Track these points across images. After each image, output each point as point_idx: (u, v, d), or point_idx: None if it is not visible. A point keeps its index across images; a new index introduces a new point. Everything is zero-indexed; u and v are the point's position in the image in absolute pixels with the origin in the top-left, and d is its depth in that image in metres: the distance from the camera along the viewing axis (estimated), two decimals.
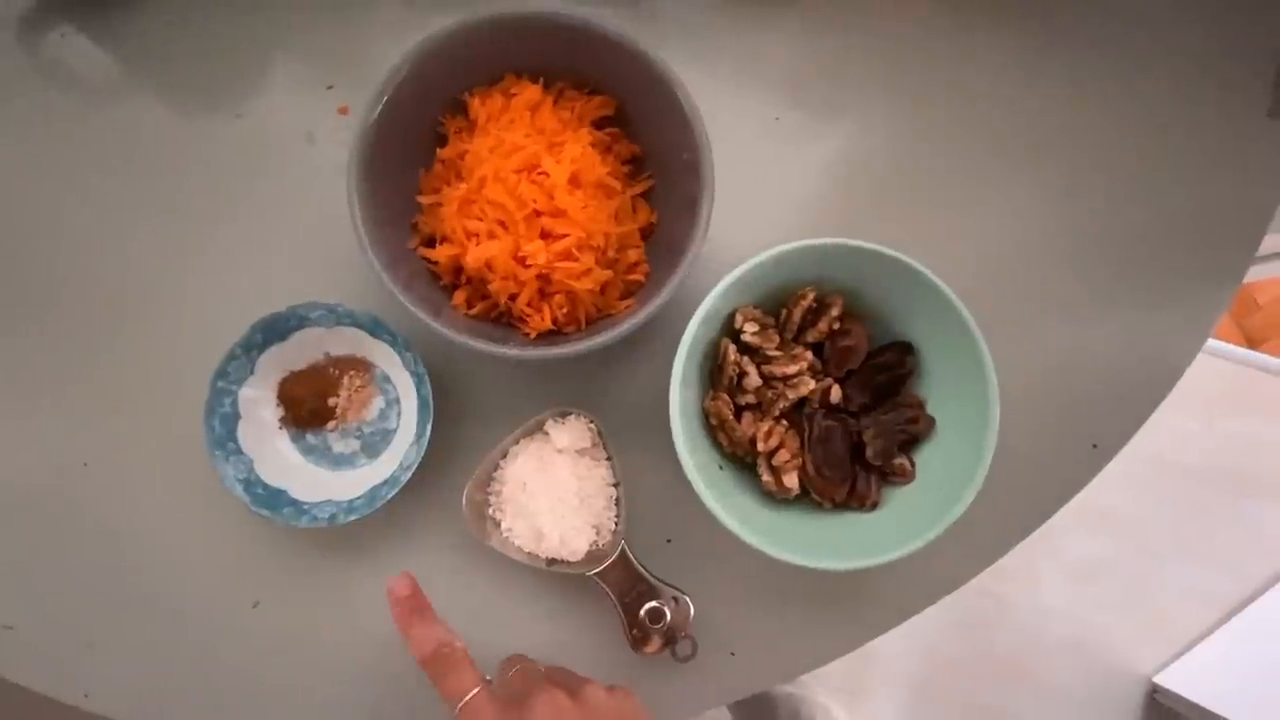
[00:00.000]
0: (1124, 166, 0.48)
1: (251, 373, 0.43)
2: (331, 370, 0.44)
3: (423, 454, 0.41)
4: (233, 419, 0.42)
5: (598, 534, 0.42)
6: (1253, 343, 1.25)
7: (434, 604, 0.43)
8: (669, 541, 0.44)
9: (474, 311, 0.42)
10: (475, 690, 0.33)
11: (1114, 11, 0.49)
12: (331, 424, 0.44)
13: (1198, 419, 1.17)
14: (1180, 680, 1.07)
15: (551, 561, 0.42)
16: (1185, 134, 0.49)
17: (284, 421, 0.44)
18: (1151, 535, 1.14)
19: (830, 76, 0.49)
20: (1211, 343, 1.19)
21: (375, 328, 0.43)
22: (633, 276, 0.42)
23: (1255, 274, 0.98)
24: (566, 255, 0.39)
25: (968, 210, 0.48)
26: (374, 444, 0.44)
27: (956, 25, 0.49)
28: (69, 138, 0.47)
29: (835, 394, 0.40)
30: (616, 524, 0.42)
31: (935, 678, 1.09)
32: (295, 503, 0.42)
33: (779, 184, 0.48)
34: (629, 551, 0.42)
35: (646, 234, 0.43)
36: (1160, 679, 1.09)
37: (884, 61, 0.49)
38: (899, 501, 0.40)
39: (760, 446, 0.39)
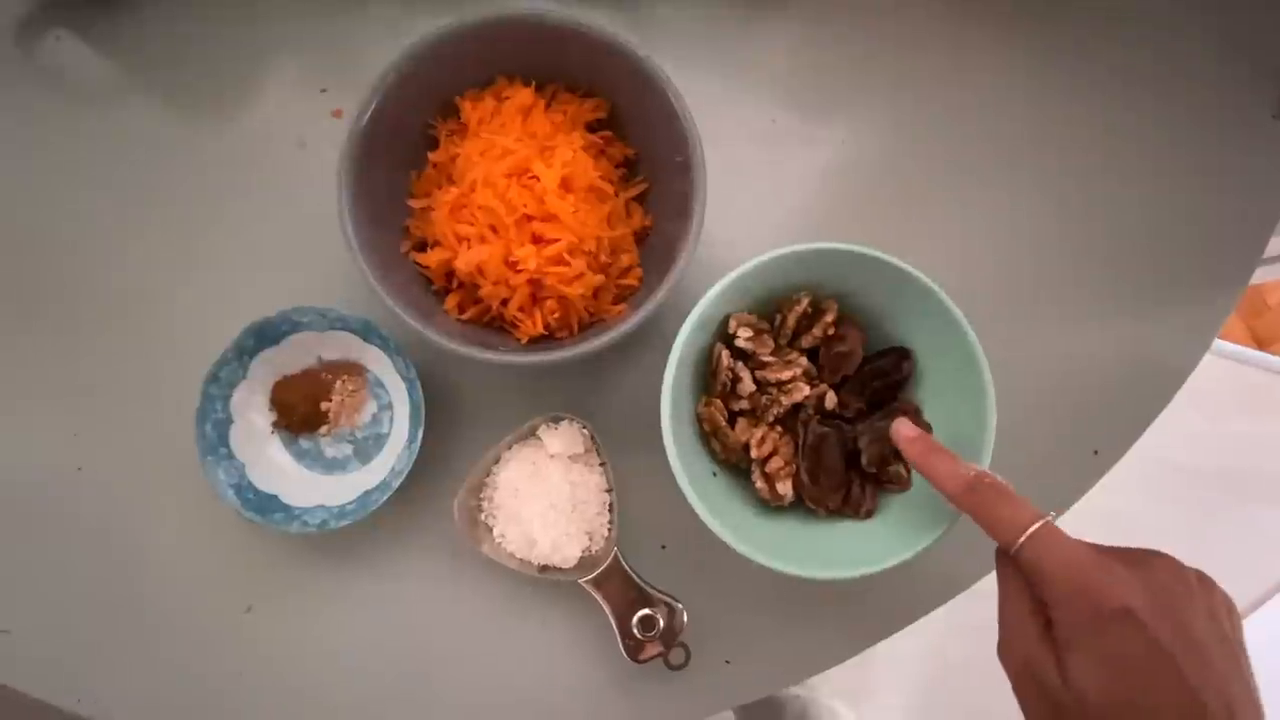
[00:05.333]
0: (1125, 171, 0.48)
1: (244, 377, 0.43)
2: (324, 375, 0.44)
3: (414, 459, 0.41)
4: (225, 424, 0.42)
5: (590, 540, 0.42)
6: (1261, 344, 1.23)
7: (425, 611, 0.44)
8: (663, 548, 0.44)
9: (466, 316, 0.41)
10: (1042, 520, 0.29)
11: (1115, 15, 0.49)
12: (324, 429, 0.44)
13: (1205, 420, 1.16)
14: None
15: (544, 568, 0.41)
16: (1188, 138, 0.48)
17: (276, 426, 0.44)
18: (1157, 537, 1.10)
19: (826, 79, 0.49)
20: (1220, 344, 1.18)
21: (367, 332, 0.42)
22: (626, 281, 0.42)
23: (1265, 275, 0.96)
24: (558, 260, 0.39)
25: (965, 214, 0.47)
26: (366, 449, 0.44)
27: (954, 28, 0.49)
28: (62, 141, 0.47)
29: (830, 400, 0.40)
30: (609, 530, 0.42)
31: (941, 680, 1.08)
32: (286, 508, 0.42)
33: (774, 187, 0.48)
34: (622, 558, 0.41)
35: (641, 238, 0.43)
36: None
37: (880, 64, 0.49)
38: (894, 509, 0.39)
39: (754, 453, 0.39)
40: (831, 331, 0.40)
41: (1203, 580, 0.29)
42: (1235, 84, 0.48)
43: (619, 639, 0.41)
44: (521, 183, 0.38)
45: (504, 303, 0.40)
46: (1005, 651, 0.30)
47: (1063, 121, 0.48)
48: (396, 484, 0.41)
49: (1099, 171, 0.48)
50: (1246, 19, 0.48)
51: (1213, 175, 0.48)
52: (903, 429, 0.36)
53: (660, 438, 0.36)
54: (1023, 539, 0.29)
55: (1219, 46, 0.48)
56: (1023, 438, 0.44)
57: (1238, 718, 0.25)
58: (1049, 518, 0.29)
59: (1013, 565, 0.30)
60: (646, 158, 0.43)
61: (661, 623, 0.41)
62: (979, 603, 0.45)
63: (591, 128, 0.42)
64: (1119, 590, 0.26)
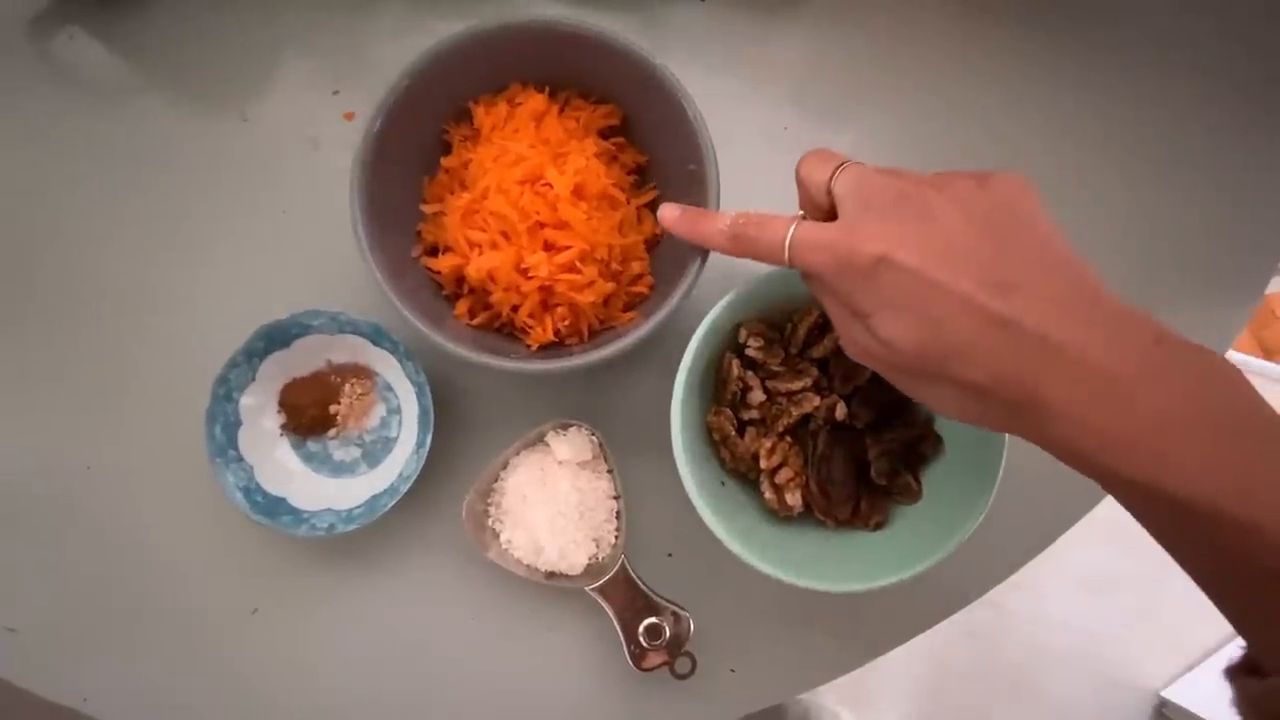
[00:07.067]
0: (1138, 180, 0.47)
1: (253, 380, 0.43)
2: (333, 378, 0.44)
3: (423, 463, 0.41)
4: (234, 426, 0.42)
5: (597, 547, 0.42)
6: (1270, 354, 1.23)
7: (431, 615, 0.44)
8: (670, 556, 0.44)
9: (476, 322, 0.41)
10: (792, 224, 0.30)
11: (1131, 20, 0.48)
12: (332, 432, 0.44)
13: None
14: (1189, 695, 1.06)
15: (550, 575, 0.41)
16: (1203, 146, 0.47)
17: (285, 429, 0.44)
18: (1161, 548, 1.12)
19: (838, 86, 0.48)
20: (1228, 354, 1.17)
21: (377, 336, 0.42)
22: (636, 288, 0.42)
23: (1273, 285, 0.96)
24: (569, 267, 0.38)
25: None
26: (375, 452, 0.44)
27: (967, 34, 0.48)
28: (75, 139, 0.47)
29: (840, 411, 0.40)
30: (617, 538, 0.42)
31: (941, 688, 1.08)
32: (295, 511, 0.42)
33: (786, 194, 0.47)
34: (629, 566, 0.41)
35: (652, 245, 0.43)
36: (1168, 693, 1.07)
37: (892, 71, 0.48)
38: (905, 521, 0.39)
39: (763, 464, 0.39)
40: None
41: (964, 185, 0.28)
42: (1251, 95, 0.48)
43: (625, 647, 0.41)
44: (534, 189, 0.38)
45: (514, 309, 0.40)
46: (850, 353, 0.31)
47: (1077, 128, 0.48)
48: (405, 488, 0.40)
49: (1112, 180, 0.47)
50: (1263, 25, 0.48)
51: (1226, 188, 0.47)
52: (666, 212, 0.36)
53: (668, 446, 0.36)
54: (786, 255, 0.30)
55: (1231, 56, 0.48)
56: (1035, 450, 0.44)
57: (1017, 288, 0.26)
58: (796, 218, 0.31)
59: (811, 278, 0.31)
60: (658, 165, 0.43)
61: (668, 631, 0.41)
62: (977, 611, 0.45)
63: (604, 134, 0.42)
64: (868, 246, 0.27)
